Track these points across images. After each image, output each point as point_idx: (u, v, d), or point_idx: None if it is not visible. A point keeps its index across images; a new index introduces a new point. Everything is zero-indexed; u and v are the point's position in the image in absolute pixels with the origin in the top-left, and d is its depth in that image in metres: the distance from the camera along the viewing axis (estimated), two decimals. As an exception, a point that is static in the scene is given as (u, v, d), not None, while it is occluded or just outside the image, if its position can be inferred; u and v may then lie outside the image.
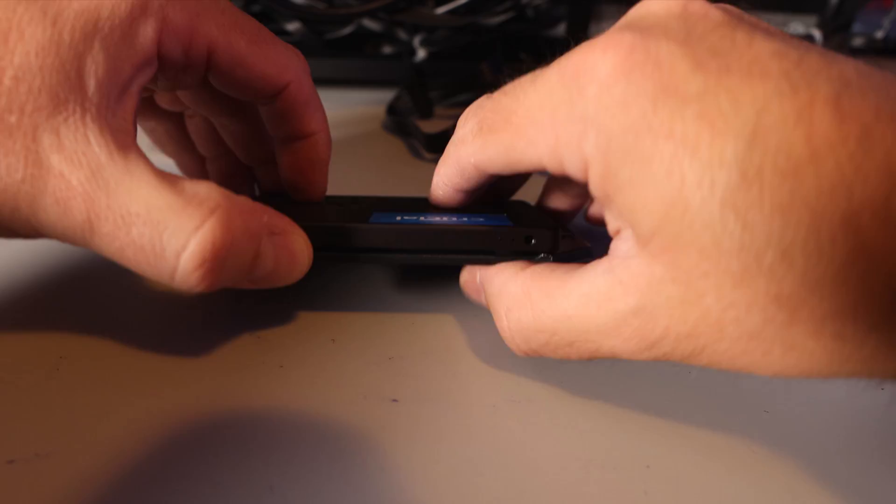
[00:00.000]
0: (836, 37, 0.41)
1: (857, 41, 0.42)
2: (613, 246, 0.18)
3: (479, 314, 0.24)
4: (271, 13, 0.44)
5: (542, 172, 0.20)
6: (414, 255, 0.22)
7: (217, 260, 0.17)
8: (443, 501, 0.17)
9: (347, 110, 0.43)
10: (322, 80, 0.45)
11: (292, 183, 0.26)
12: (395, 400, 0.20)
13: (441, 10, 0.40)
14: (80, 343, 0.21)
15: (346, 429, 0.19)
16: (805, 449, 0.19)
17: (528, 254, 0.22)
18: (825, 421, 0.20)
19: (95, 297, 0.23)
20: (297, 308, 0.23)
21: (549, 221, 0.23)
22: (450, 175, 0.22)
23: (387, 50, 0.44)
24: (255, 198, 0.26)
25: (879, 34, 0.44)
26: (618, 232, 0.18)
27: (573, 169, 0.17)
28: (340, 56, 0.43)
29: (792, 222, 0.14)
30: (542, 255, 0.22)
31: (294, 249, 0.20)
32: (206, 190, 0.18)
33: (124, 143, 0.17)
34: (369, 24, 0.43)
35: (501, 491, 0.17)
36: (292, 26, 0.43)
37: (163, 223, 0.17)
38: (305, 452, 0.18)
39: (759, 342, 0.15)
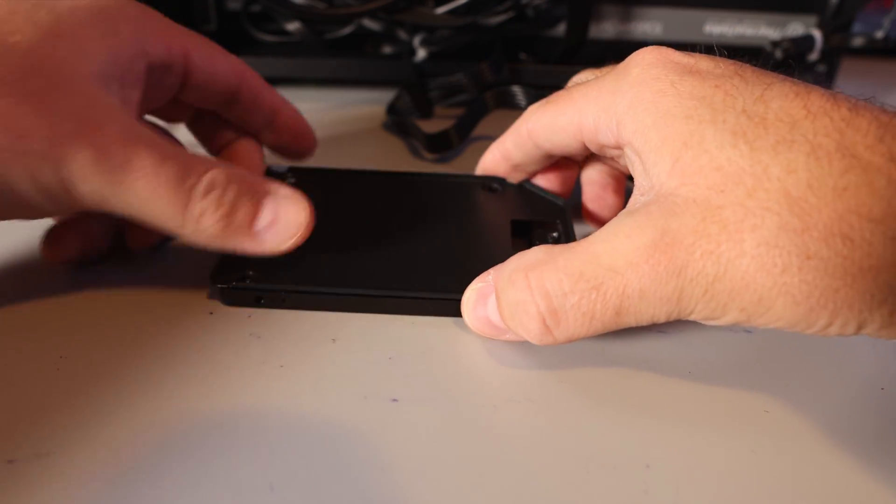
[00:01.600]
0: (836, 37, 0.41)
1: (857, 41, 0.42)
2: (631, 202, 0.20)
3: (479, 314, 0.24)
4: (271, 13, 0.44)
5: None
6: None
7: (226, 193, 0.21)
8: (443, 501, 0.17)
9: (347, 110, 0.43)
10: (322, 80, 0.44)
11: (288, 152, 0.30)
12: (395, 400, 0.20)
13: (441, 10, 0.39)
14: (80, 343, 0.21)
15: (346, 429, 0.19)
16: (805, 449, 0.19)
17: None
18: (825, 421, 0.20)
19: (95, 297, 0.23)
20: (297, 308, 0.23)
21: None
22: (504, 140, 0.27)
23: (387, 50, 0.44)
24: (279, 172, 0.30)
25: (879, 34, 0.44)
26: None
27: (605, 131, 0.22)
28: (340, 56, 0.43)
29: (794, 148, 0.17)
30: None
31: (293, 205, 0.22)
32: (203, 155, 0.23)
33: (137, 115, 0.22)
34: (369, 24, 0.43)
35: (501, 491, 0.17)
36: (292, 26, 0.43)
37: (187, 167, 0.20)
38: (305, 452, 0.18)
39: (778, 253, 0.16)
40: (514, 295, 0.19)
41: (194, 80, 0.25)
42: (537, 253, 0.20)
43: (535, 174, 0.29)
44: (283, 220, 0.22)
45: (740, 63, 0.20)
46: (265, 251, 0.22)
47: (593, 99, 0.22)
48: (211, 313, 0.23)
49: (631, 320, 0.18)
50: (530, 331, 0.19)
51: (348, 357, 0.21)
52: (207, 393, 0.20)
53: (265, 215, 0.21)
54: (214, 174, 0.21)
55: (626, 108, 0.20)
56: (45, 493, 0.16)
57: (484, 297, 0.21)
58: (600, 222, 0.29)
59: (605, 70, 0.26)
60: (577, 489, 0.17)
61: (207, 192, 0.20)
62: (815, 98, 0.18)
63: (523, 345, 0.22)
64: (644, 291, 0.18)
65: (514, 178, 0.29)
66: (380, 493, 0.17)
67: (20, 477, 0.17)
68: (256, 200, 0.21)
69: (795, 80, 0.19)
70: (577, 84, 0.24)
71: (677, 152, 0.18)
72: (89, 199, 0.19)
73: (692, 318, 0.18)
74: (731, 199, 0.17)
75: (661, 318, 0.18)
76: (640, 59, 0.21)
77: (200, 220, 0.20)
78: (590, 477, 0.17)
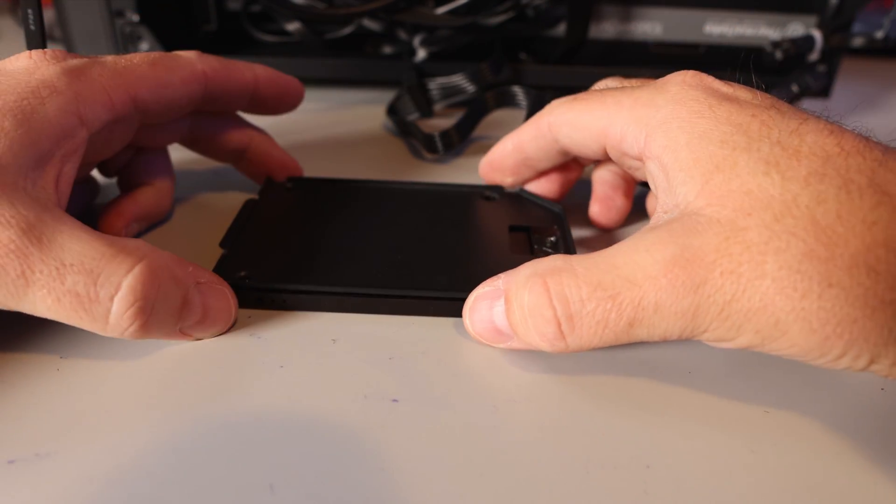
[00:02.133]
0: (836, 37, 0.41)
1: (857, 41, 0.42)
2: (654, 219, 0.20)
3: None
4: (271, 13, 0.44)
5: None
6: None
7: (147, 300, 0.19)
8: (443, 501, 0.17)
9: (347, 110, 0.43)
10: (322, 80, 0.44)
11: (280, 111, 0.30)
12: (395, 400, 0.20)
13: (441, 10, 0.39)
14: (80, 343, 0.21)
15: (346, 429, 0.19)
16: (805, 449, 0.19)
17: None
18: (825, 421, 0.20)
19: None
20: (297, 308, 0.23)
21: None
22: (521, 132, 0.27)
23: (387, 50, 0.44)
24: (286, 184, 0.30)
25: (879, 34, 0.44)
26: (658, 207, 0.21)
27: (631, 141, 0.22)
28: (340, 56, 0.43)
29: (825, 181, 0.17)
30: None
31: (221, 299, 0.22)
32: (133, 242, 0.20)
33: (47, 207, 0.19)
34: (369, 24, 0.43)
35: (501, 491, 0.17)
36: (292, 26, 0.43)
37: (96, 270, 0.18)
38: (305, 452, 0.18)
39: (800, 278, 0.16)
40: (530, 299, 0.19)
41: (152, 114, 0.25)
42: (555, 261, 0.20)
43: (538, 175, 0.29)
44: (212, 314, 0.21)
45: (777, 98, 0.20)
46: (194, 339, 0.22)
47: (627, 107, 0.22)
48: (211, 313, 0.23)
49: (643, 334, 0.18)
50: (545, 335, 0.19)
51: (348, 357, 0.21)
52: (207, 393, 0.20)
53: (193, 310, 0.21)
54: (130, 284, 0.18)
55: (659, 122, 0.20)
56: (45, 493, 0.16)
57: (490, 300, 0.21)
58: (605, 222, 0.29)
59: (633, 81, 0.26)
60: (577, 489, 0.17)
61: (125, 310, 0.19)
62: (849, 138, 0.18)
63: (523, 345, 0.22)
64: (660, 305, 0.17)
65: (520, 175, 0.29)
66: (380, 493, 0.17)
67: (20, 477, 0.17)
68: (182, 293, 0.20)
69: (830, 120, 0.19)
70: (610, 88, 0.24)
71: (708, 174, 0.18)
72: None
73: (705, 337, 0.18)
74: (756, 221, 0.17)
75: (674, 335, 0.18)
76: (680, 80, 0.21)
77: (123, 332, 0.19)
78: (590, 477, 0.17)
